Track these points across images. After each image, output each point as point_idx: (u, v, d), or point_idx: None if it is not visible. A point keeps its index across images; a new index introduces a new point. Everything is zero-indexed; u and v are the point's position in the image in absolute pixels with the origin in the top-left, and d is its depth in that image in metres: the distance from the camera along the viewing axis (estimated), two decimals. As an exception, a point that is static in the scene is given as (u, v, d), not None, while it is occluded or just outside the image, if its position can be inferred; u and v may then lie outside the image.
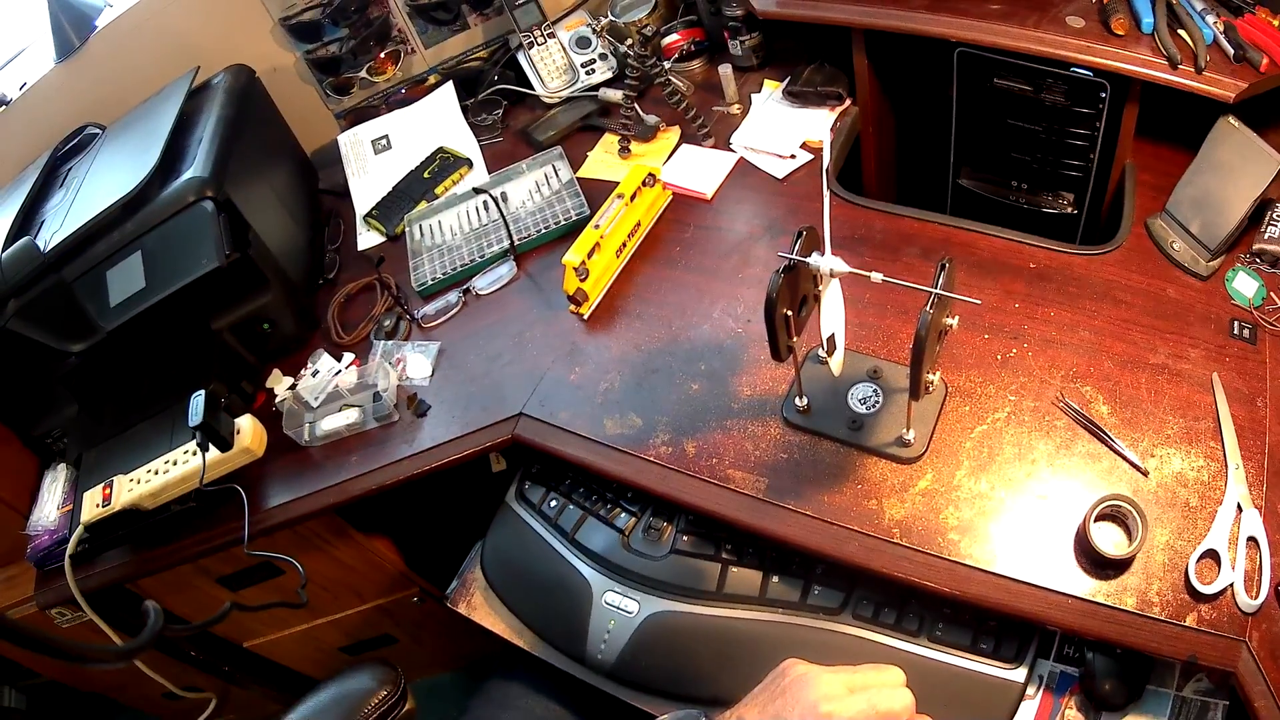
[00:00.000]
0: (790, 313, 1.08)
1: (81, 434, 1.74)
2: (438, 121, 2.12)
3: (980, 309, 1.43)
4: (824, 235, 0.91)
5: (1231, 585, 1.11)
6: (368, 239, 1.96)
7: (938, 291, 1.03)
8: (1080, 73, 1.52)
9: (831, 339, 0.97)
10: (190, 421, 1.45)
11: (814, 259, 1.04)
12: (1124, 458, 1.24)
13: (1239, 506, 1.17)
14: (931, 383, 1.19)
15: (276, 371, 1.74)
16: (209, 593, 1.79)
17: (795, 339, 1.17)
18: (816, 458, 1.33)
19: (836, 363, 1.02)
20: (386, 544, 1.85)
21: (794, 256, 1.06)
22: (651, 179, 1.70)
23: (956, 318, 1.12)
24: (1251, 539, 1.14)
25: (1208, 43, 1.42)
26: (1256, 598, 1.10)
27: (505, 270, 1.75)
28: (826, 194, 0.80)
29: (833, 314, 0.98)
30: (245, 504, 1.52)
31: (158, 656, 1.92)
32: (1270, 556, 1.13)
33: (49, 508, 1.68)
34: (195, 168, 1.62)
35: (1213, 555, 1.14)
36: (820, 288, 1.10)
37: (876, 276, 0.96)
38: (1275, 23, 1.41)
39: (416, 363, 1.63)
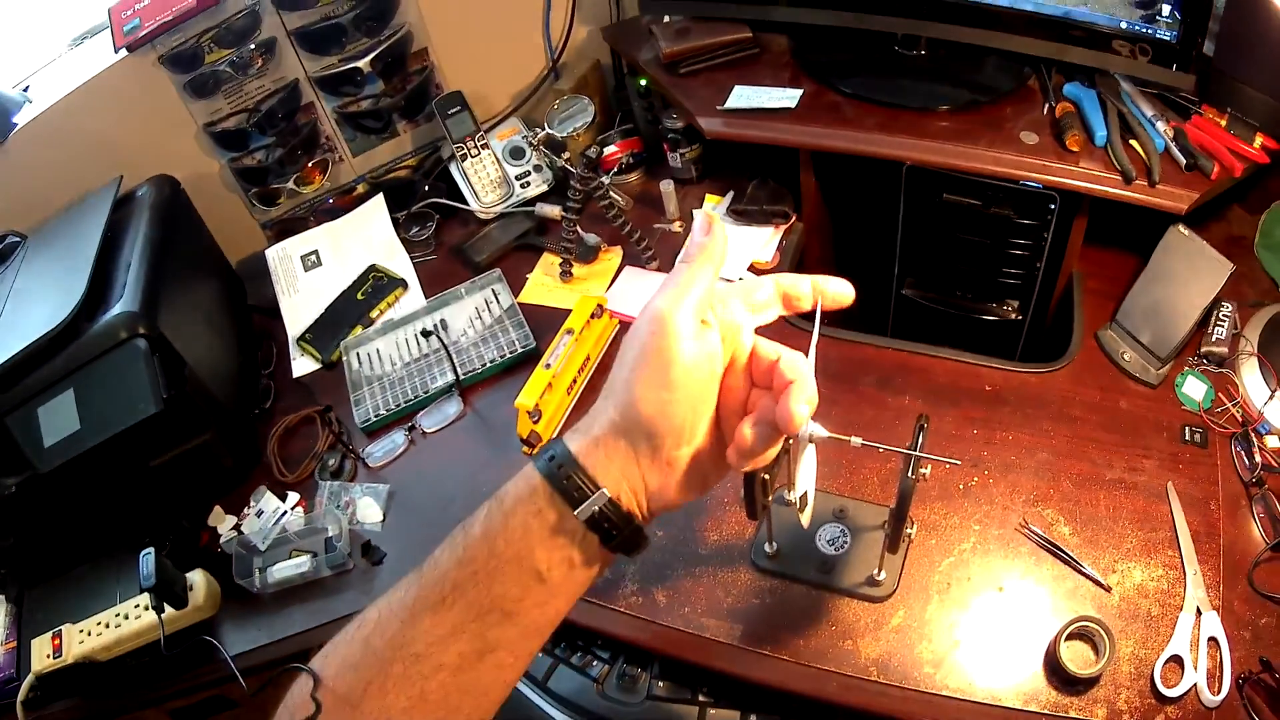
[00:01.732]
0: (767, 476, 1.13)
1: (21, 567, 1.72)
2: (368, 236, 2.15)
3: (943, 439, 1.50)
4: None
5: (1195, 685, 1.19)
6: (302, 365, 1.97)
7: (917, 454, 1.10)
8: (1030, 186, 1.61)
9: (804, 496, 1.01)
10: (142, 583, 1.45)
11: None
12: (1087, 576, 1.32)
13: (1198, 610, 1.26)
14: (910, 535, 1.25)
15: (219, 509, 1.73)
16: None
17: (770, 497, 1.22)
18: (789, 601, 1.38)
19: (806, 516, 1.07)
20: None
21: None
22: (600, 309, 1.73)
23: (930, 468, 1.18)
24: (1212, 639, 1.23)
25: (1159, 152, 1.52)
26: (1219, 694, 1.18)
27: (452, 409, 1.76)
28: (812, 356, 0.85)
29: (807, 474, 1.03)
30: (227, 655, 1.51)
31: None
32: (1230, 652, 1.21)
33: (-8, 643, 1.66)
34: (125, 300, 1.62)
35: (1176, 660, 1.22)
36: (796, 448, 1.15)
37: (856, 441, 1.01)
38: (1222, 122, 1.52)
39: (367, 507, 1.65)
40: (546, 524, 0.76)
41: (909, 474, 1.11)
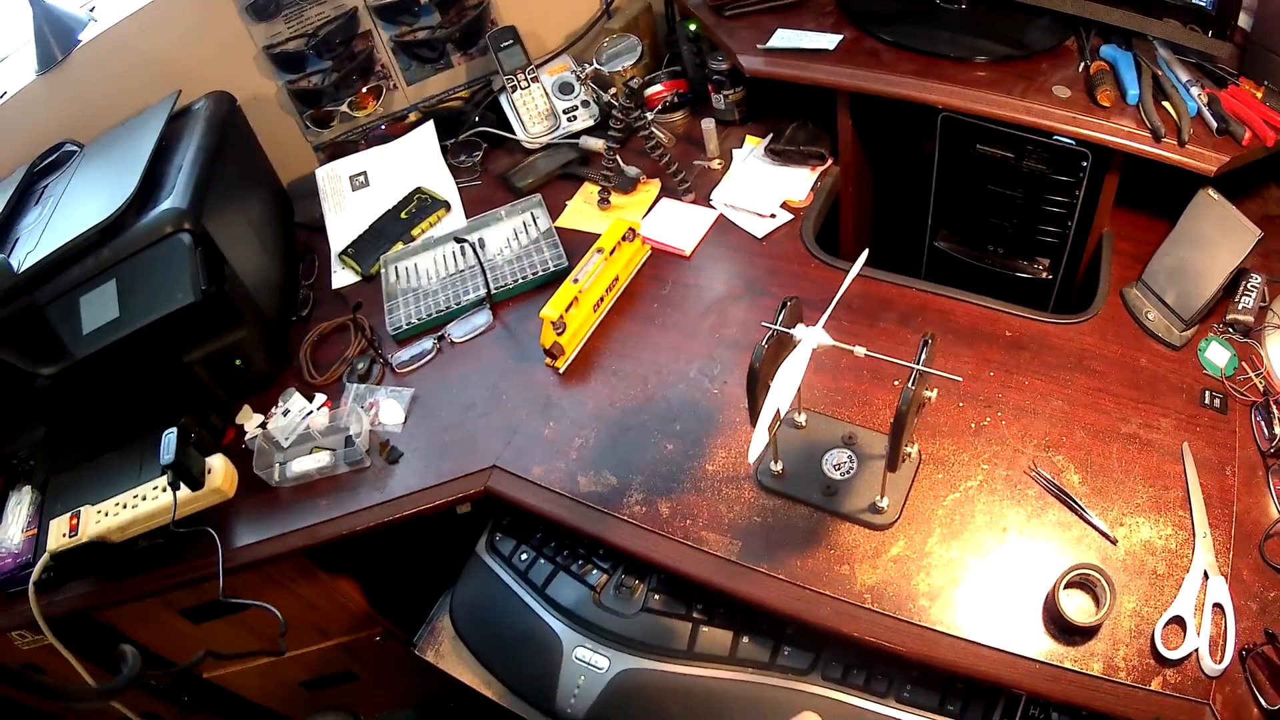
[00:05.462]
0: (771, 383, 1.10)
1: (48, 458, 1.73)
2: (416, 161, 2.14)
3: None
4: (827, 309, 0.95)
5: (1197, 650, 1.15)
6: (342, 277, 1.98)
7: (919, 368, 1.06)
8: (1063, 141, 1.57)
9: (777, 414, 0.98)
10: (162, 459, 1.45)
11: (798, 331, 1.07)
12: (1094, 526, 1.27)
13: (1205, 574, 1.21)
14: (910, 455, 1.21)
15: (247, 408, 1.74)
16: (172, 624, 1.78)
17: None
18: (790, 522, 1.35)
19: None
20: (351, 584, 1.85)
21: (778, 327, 1.09)
22: (632, 233, 1.72)
23: (935, 390, 1.15)
24: (1217, 605, 1.18)
25: (1191, 115, 1.47)
26: (1221, 662, 1.13)
27: (481, 319, 1.76)
28: (851, 276, 0.82)
29: (788, 382, 0.99)
30: (219, 549, 1.52)
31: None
32: (1235, 622, 1.17)
33: (13, 530, 1.66)
34: (174, 198, 1.63)
35: (1179, 621, 1.17)
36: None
37: (860, 350, 0.99)
38: (1258, 94, 1.46)
39: (389, 409, 1.64)
40: None
41: (909, 385, 1.08)
